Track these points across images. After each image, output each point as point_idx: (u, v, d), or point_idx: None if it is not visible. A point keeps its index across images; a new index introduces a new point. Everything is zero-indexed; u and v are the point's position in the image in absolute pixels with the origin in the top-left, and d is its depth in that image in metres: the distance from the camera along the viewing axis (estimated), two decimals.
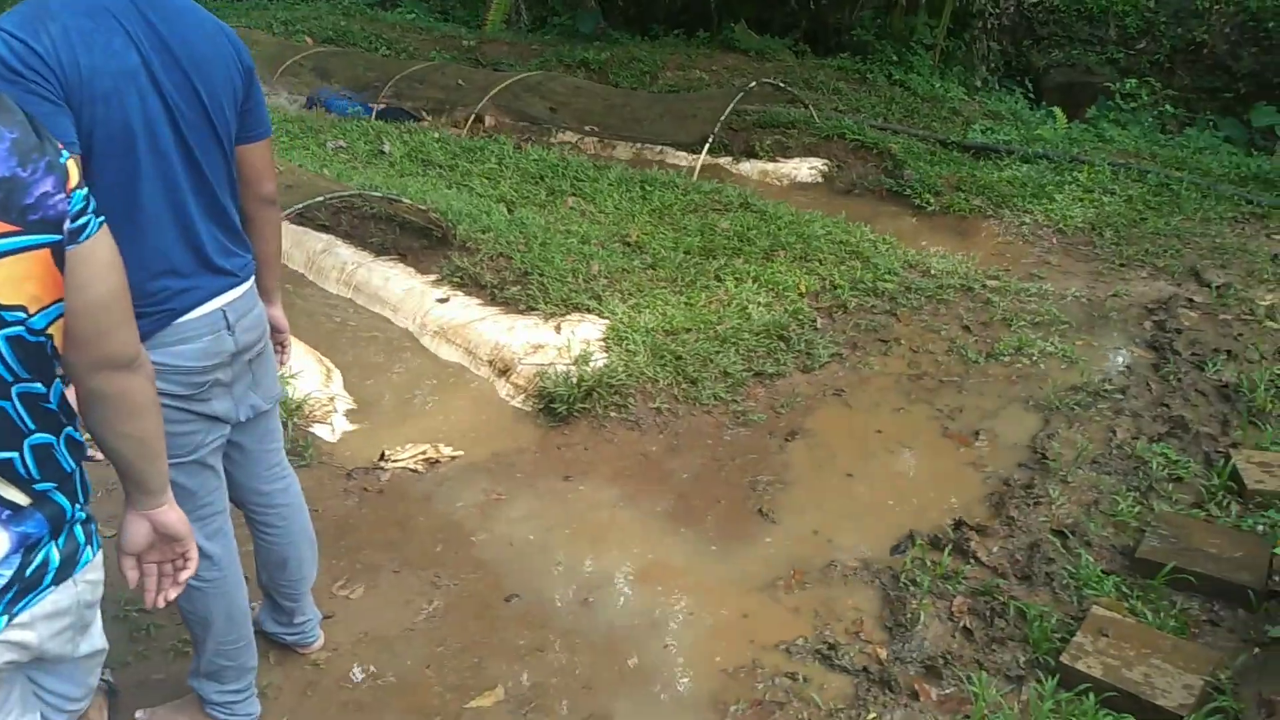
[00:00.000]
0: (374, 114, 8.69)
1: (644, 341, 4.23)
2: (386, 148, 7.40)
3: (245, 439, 2.17)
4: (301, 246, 5.68)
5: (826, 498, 3.40)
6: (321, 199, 4.74)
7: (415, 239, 5.43)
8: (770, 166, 7.99)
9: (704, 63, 9.97)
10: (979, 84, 10.66)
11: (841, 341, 4.50)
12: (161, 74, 1.75)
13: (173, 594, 1.54)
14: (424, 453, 3.59)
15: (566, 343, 4.24)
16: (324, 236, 5.65)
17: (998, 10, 11.16)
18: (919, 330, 4.65)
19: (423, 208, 5.17)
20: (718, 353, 4.23)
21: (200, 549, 2.06)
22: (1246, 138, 9.54)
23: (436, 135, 7.77)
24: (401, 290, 5.00)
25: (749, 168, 8.00)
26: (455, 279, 4.99)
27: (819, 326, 4.63)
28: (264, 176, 2.09)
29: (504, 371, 4.27)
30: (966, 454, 3.66)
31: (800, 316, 4.65)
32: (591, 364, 4.06)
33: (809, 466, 3.59)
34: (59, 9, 1.63)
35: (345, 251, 5.43)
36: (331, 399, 3.99)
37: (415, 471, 3.47)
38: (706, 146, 7.36)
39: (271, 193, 2.13)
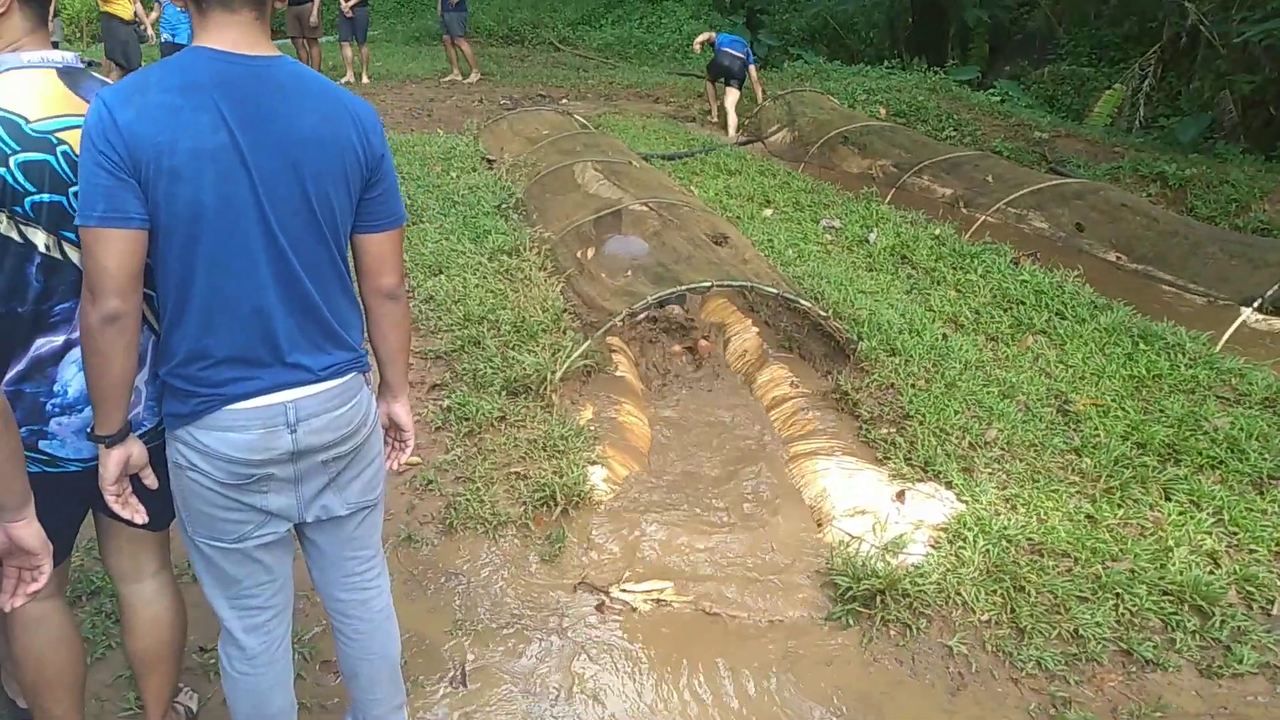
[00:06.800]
0: None
1: (989, 550, 3.29)
2: (872, 236, 6.99)
3: (320, 539, 2.07)
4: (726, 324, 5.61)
5: None
6: (708, 285, 4.55)
7: (821, 342, 4.99)
8: None
9: None
10: None
11: None
12: (253, 156, 1.68)
13: (18, 601, 1.66)
14: (661, 591, 3.21)
15: (887, 518, 3.48)
16: (745, 319, 5.49)
17: None
18: None
19: (824, 314, 4.70)
20: (1084, 601, 3.12)
21: (235, 638, 2.01)
22: None
23: (936, 231, 7.13)
24: (775, 396, 4.61)
25: None
26: (833, 400, 4.45)
27: (1274, 612, 3.18)
28: (384, 269, 1.95)
29: (820, 524, 3.68)
30: None
31: (1252, 585, 3.24)
32: (902, 557, 3.28)
33: None
34: (154, 83, 1.65)
35: (751, 338, 5.21)
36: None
37: (635, 611, 3.11)
38: (1255, 305, 5.62)
39: (392, 286, 1.97)
